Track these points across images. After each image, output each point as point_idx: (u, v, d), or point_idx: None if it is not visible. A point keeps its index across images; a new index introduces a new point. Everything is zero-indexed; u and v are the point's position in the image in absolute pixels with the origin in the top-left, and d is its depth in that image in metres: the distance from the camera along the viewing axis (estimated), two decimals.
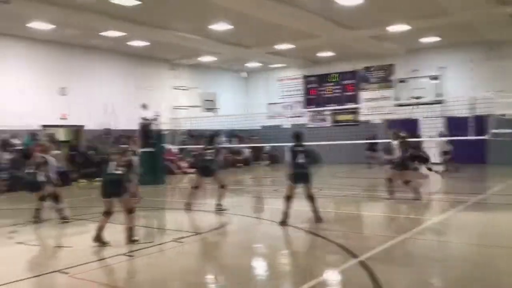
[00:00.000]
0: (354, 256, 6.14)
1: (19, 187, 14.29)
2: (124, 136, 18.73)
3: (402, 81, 22.42)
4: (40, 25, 15.97)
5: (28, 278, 5.72)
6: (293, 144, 8.59)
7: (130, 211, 7.20)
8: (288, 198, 8.40)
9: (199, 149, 10.94)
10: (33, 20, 15.44)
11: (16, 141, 16.67)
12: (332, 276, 5.62)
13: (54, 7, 13.64)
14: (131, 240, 7.12)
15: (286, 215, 8.33)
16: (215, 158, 10.54)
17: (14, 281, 5.40)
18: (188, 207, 10.23)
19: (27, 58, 17.88)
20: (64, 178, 16.34)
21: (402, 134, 11.74)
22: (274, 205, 11.90)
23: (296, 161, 8.39)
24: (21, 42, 17.52)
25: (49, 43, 18.26)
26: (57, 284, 5.46)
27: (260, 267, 6.26)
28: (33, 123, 17.57)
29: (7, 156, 15.83)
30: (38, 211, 9.19)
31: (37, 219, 9.11)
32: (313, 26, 16.71)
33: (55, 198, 9.18)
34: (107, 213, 7.16)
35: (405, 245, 7.01)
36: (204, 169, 10.46)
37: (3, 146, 16.20)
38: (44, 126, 18.14)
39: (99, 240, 7.05)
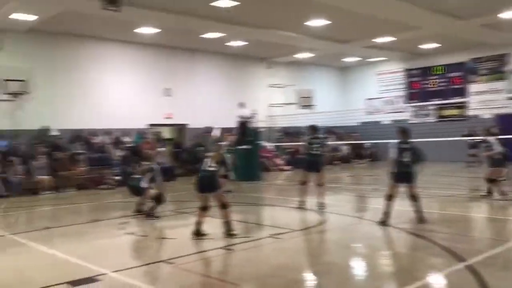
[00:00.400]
0: (461, 259, 5.75)
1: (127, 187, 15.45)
2: (221, 134, 19.40)
3: None
4: (146, 30, 17.08)
5: (137, 266, 6.13)
6: (398, 141, 8.23)
7: (224, 206, 7.42)
8: (390, 198, 8.08)
9: (304, 142, 10.50)
10: (140, 25, 16.55)
11: (126, 139, 18.01)
12: (436, 279, 5.31)
13: (159, 13, 14.50)
14: (229, 234, 7.34)
15: (387, 215, 8.03)
16: (322, 152, 10.24)
17: (125, 269, 5.82)
18: (301, 205, 10.13)
19: (134, 62, 19.22)
20: (169, 174, 17.38)
21: (493, 130, 10.91)
22: (374, 204, 11.55)
23: (400, 159, 8.03)
24: (128, 47, 18.89)
25: (154, 46, 19.46)
26: (164, 273, 5.78)
27: (359, 266, 6.10)
28: (141, 122, 18.86)
29: (119, 153, 17.15)
30: (140, 206, 9.82)
31: (138, 213, 9.71)
32: (415, 17, 15.91)
33: (157, 198, 9.61)
34: (204, 208, 7.44)
35: None
36: (311, 163, 10.16)
37: (115, 144, 17.59)
38: (151, 125, 19.37)
39: (197, 234, 7.37)
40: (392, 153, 8.12)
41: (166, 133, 21.50)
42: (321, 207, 9.88)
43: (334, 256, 6.52)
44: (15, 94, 14.64)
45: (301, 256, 6.72)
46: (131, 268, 5.95)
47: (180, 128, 20.87)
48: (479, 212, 9.84)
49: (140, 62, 19.36)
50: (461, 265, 5.55)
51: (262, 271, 5.68)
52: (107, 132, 17.83)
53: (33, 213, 11.62)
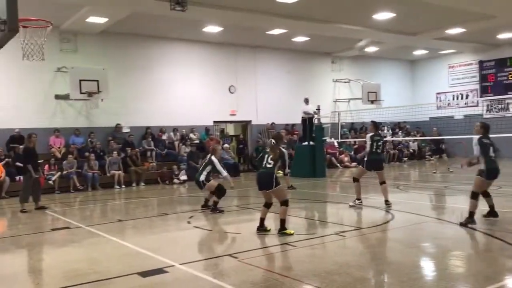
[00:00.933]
0: None
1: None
2: (286, 129, 19.38)
3: None
4: (211, 29, 17.42)
5: (203, 259, 6.29)
6: (480, 136, 7.72)
7: (282, 203, 7.34)
8: (477, 196, 7.58)
9: (367, 139, 10.15)
10: (206, 24, 16.90)
11: (193, 135, 18.49)
12: (510, 282, 5.00)
13: (225, 11, 14.73)
14: (280, 232, 7.24)
15: (472, 215, 7.54)
16: (383, 150, 10.08)
17: (192, 262, 5.99)
18: (356, 203, 10.02)
19: (200, 60, 19.69)
20: (234, 170, 17.65)
21: None
22: (443, 203, 11.08)
23: (489, 154, 7.58)
24: (194, 45, 19.39)
25: (218, 45, 19.82)
26: (228, 267, 5.88)
27: (426, 267, 5.88)
28: (207, 119, 19.28)
29: (185, 149, 17.65)
30: (207, 201, 10.06)
31: (205, 208, 9.96)
32: (489, 5, 15.02)
33: (218, 191, 9.74)
34: (267, 204, 7.46)
35: None
36: (373, 162, 9.85)
37: (182, 140, 18.12)
38: (216, 122, 19.74)
39: (260, 229, 7.43)
40: (484, 149, 7.58)
41: (231, 130, 21.86)
42: (387, 205, 9.64)
43: (400, 255, 6.32)
44: (90, 94, 15.47)
45: (367, 254, 6.57)
46: (197, 261, 6.11)
47: (244, 125, 21.11)
48: None
49: (205, 60, 19.79)
50: None
51: (326, 268, 5.62)
52: (174, 129, 18.41)
53: (106, 206, 12.26)
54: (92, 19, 15.22)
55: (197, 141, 18.14)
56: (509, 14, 16.27)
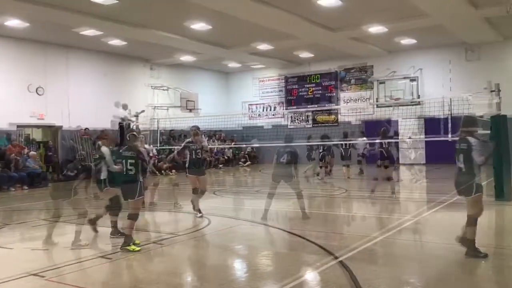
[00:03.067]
0: (334, 256, 6.17)
1: None
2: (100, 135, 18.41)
3: (381, 82, 22.66)
4: (15, 23, 15.67)
5: (1, 282, 5.56)
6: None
7: (129, 215, 6.91)
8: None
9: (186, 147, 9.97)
10: (8, 17, 15.15)
11: None
12: (311, 276, 5.63)
13: (29, 4, 13.40)
14: (122, 247, 6.77)
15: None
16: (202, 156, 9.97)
17: None
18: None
19: (0, 57, 17.48)
20: (42, 180, 16.06)
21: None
22: (254, 205, 11.89)
23: None
24: None
25: (24, 41, 17.92)
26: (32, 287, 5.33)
27: (240, 267, 6.24)
28: (8, 123, 17.21)
29: None
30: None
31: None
32: (292, 27, 16.76)
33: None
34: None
35: (384, 244, 7.07)
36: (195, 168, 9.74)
37: None
38: (19, 126, 17.78)
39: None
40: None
41: (38, 135, 19.96)
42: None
43: (217, 258, 6.58)
44: None
45: (185, 261, 6.67)
46: None
47: (54, 130, 19.44)
48: (352, 211, 10.63)
49: (7, 57, 17.65)
50: (334, 261, 5.95)
51: (144, 278, 5.53)
52: None
53: None
54: None
55: None
56: (307, 36, 18.39)
